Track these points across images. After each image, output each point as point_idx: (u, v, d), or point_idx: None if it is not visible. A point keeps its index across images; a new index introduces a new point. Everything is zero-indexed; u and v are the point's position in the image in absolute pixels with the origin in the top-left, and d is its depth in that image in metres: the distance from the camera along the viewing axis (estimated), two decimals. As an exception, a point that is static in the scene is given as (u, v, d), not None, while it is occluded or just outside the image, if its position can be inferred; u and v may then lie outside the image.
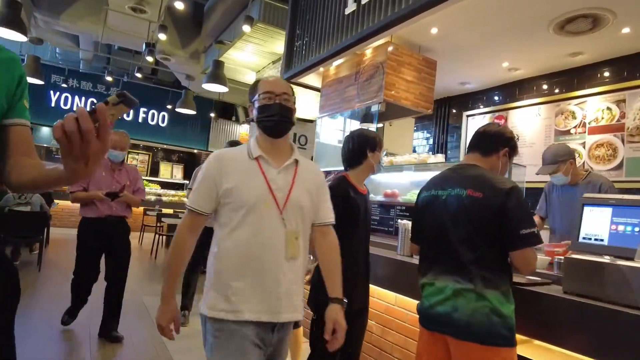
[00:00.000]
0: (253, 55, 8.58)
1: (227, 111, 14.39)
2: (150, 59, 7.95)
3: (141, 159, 14.40)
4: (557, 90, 4.54)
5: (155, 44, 8.45)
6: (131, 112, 12.47)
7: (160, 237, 8.31)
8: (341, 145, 2.89)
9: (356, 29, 3.72)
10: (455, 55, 4.28)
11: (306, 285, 2.42)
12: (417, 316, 1.89)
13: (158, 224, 8.86)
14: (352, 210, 2.28)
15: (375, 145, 2.39)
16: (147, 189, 12.56)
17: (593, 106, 4.28)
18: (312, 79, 5.15)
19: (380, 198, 3.63)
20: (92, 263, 3.46)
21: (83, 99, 12.00)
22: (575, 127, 4.38)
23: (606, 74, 4.22)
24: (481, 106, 5.38)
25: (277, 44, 7.85)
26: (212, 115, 12.33)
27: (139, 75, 9.61)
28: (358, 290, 2.31)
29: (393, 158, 3.52)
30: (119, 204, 3.39)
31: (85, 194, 3.24)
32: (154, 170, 14.41)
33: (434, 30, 3.70)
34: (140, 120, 12.60)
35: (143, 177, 13.66)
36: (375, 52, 3.97)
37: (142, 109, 12.58)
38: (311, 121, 8.56)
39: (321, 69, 4.79)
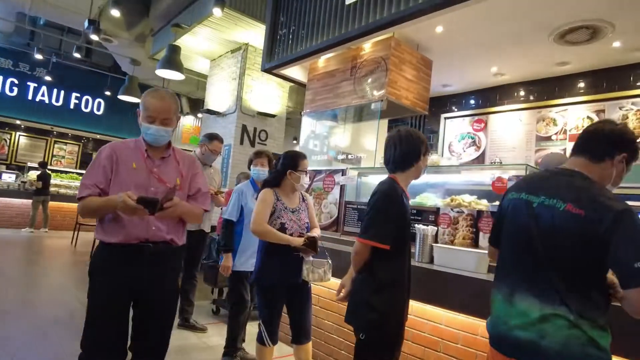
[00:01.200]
0: (209, 42, 7.96)
1: (170, 101, 13.36)
2: (95, 37, 7.05)
3: (69, 150, 12.97)
4: (538, 98, 4.67)
5: (99, 22, 7.53)
6: (61, 96, 11.13)
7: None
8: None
9: (359, 22, 3.47)
10: (449, 57, 4.20)
11: (342, 301, 2.16)
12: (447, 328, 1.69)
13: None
14: (405, 219, 2.05)
15: (427, 148, 2.17)
16: (77, 183, 11.32)
17: (574, 114, 4.44)
18: (294, 71, 4.81)
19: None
20: (115, 326, 1.94)
21: (0, 78, 10.44)
22: (556, 133, 4.53)
23: (585, 84, 4.40)
24: (460, 109, 5.40)
25: (239, 32, 7.35)
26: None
27: (77, 55, 8.52)
28: (405, 311, 2.09)
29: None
30: (163, 220, 1.95)
31: (103, 199, 1.84)
32: (86, 163, 13.03)
33: (439, 29, 3.57)
34: (71, 106, 11.26)
35: (72, 170, 12.30)
36: (375, 46, 3.75)
37: (74, 94, 11.26)
38: (273, 116, 8.17)
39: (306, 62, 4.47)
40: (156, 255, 1.94)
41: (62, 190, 10.88)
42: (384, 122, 6.06)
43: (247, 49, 7.80)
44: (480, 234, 2.87)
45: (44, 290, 4.82)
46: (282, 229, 2.56)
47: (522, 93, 4.85)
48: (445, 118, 5.40)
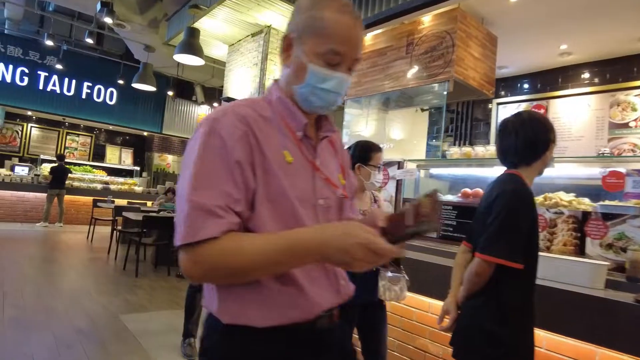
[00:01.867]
0: (228, 25, 7.46)
1: (184, 90, 12.96)
2: (108, 20, 6.58)
3: (82, 141, 12.61)
4: (612, 79, 4.12)
5: (112, 3, 7.05)
6: (72, 86, 10.73)
7: (117, 233, 7.04)
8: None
9: (419, -11, 2.97)
10: (513, 33, 3.68)
11: (447, 332, 1.72)
12: None
13: (114, 219, 7.57)
14: (536, 228, 1.60)
15: (555, 135, 1.70)
16: (91, 176, 11.00)
17: (658, 97, 3.91)
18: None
19: (454, 198, 2.94)
20: None
21: (10, 67, 10.05)
22: (635, 120, 4.00)
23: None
24: (514, 94, 4.86)
25: (261, 13, 6.84)
26: (170, 93, 10.93)
27: (89, 40, 8.07)
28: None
29: (471, 150, 2.86)
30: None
31: (285, 241, 0.82)
32: (98, 155, 12.68)
33: (513, -1, 3.06)
34: (83, 96, 10.85)
35: (85, 162, 11.96)
36: (438, 19, 3.24)
37: (86, 83, 10.84)
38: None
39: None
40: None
41: (76, 184, 10.54)
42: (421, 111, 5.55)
43: (269, 32, 7.29)
44: (588, 240, 2.38)
45: (62, 295, 4.44)
46: None
47: (589, 75, 4.31)
48: (498, 104, 4.87)
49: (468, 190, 2.92)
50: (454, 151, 2.98)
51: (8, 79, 9.95)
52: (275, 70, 7.46)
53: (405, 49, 3.43)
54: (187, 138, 13.17)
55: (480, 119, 5.26)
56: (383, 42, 3.69)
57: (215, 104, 12.42)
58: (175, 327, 3.71)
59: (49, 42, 8.18)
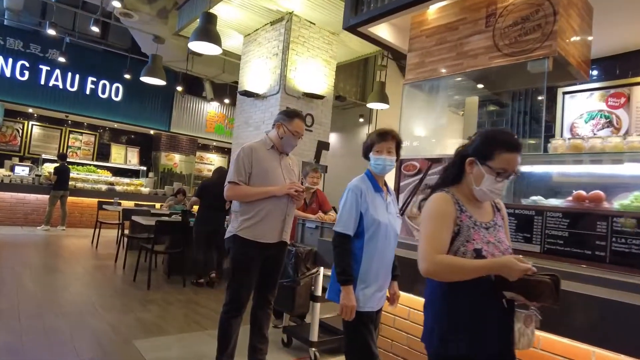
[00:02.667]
0: (245, 12, 6.85)
1: (193, 86, 12.36)
2: (117, 3, 5.97)
3: (85, 140, 12.02)
4: None
5: (120, -11, 6.46)
6: (75, 81, 10.12)
7: (124, 238, 6.43)
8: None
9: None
10: (604, 4, 3.05)
11: None
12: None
13: (121, 222, 6.97)
14: None
15: None
16: (96, 176, 10.41)
17: None
18: (383, 31, 3.64)
19: (561, 203, 2.32)
20: None
21: (10, 60, 9.46)
22: None
23: None
24: (584, 81, 4.22)
25: (282, -5, 6.24)
26: (180, 89, 10.33)
27: (95, 29, 7.48)
28: None
29: (581, 142, 2.24)
30: None
31: None
32: (103, 154, 12.09)
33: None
34: (87, 91, 10.25)
35: (89, 162, 11.36)
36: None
37: (90, 78, 10.24)
38: (321, 97, 7.05)
39: (395, 20, 3.34)
40: None
41: (79, 184, 9.94)
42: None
43: (291, 19, 6.68)
44: None
45: (65, 313, 3.84)
46: (478, 258, 1.49)
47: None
48: (564, 93, 4.24)
49: (583, 193, 2.29)
50: (558, 144, 2.35)
51: (7, 73, 9.37)
52: (298, 60, 6.86)
53: (485, 22, 2.81)
54: (196, 137, 12.56)
55: (538, 111, 4.61)
56: (454, 15, 3.07)
57: (227, 100, 11.81)
58: (201, 356, 3.10)
59: (51, 32, 7.57)
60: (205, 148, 14.27)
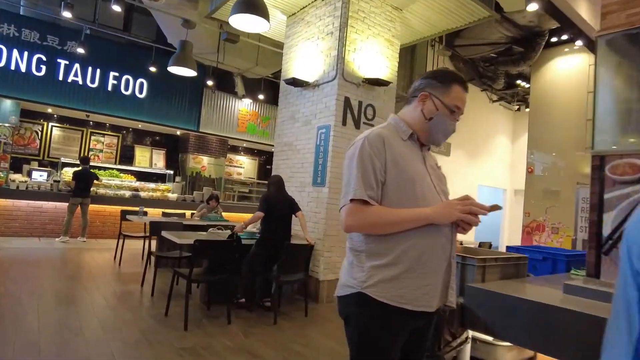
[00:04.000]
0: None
1: (223, 81, 11.34)
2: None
3: (108, 142, 11.12)
4: None
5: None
6: (96, 76, 9.18)
7: (151, 257, 5.34)
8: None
9: None
10: None
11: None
12: None
13: (148, 236, 5.91)
14: None
15: None
16: (119, 182, 9.45)
17: None
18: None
19: None
20: None
21: (25, 54, 8.57)
22: None
23: None
24: None
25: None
26: (210, 83, 9.28)
27: (117, 8, 6.44)
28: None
29: None
30: None
31: None
32: (126, 157, 11.16)
33: None
34: (109, 87, 9.29)
35: (111, 166, 10.44)
36: None
37: (112, 73, 9.29)
38: (385, 83, 5.84)
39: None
40: None
41: (101, 190, 8.99)
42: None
43: (349, -10, 5.50)
44: None
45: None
46: None
47: None
48: None
49: None
50: None
51: (23, 68, 8.49)
52: (357, 39, 5.66)
53: None
54: (226, 137, 11.51)
55: None
56: None
57: (261, 96, 10.71)
58: None
59: (67, 14, 6.59)
60: (234, 150, 13.23)
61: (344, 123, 5.48)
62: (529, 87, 11.16)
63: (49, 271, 5.62)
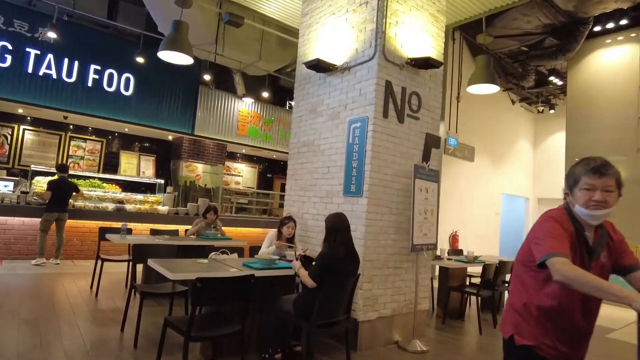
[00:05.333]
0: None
1: (221, 79, 10.12)
2: None
3: (90, 148, 9.81)
4: None
5: None
6: (74, 69, 7.90)
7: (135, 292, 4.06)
8: None
9: None
10: None
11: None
12: None
13: (132, 262, 4.60)
14: None
15: None
16: (101, 192, 8.16)
17: None
18: None
19: None
20: None
21: (-9, 45, 7.27)
22: None
23: None
24: None
25: None
26: (208, 78, 8.07)
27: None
28: None
29: None
30: None
31: None
32: (111, 165, 9.84)
33: None
34: (89, 83, 7.99)
35: (93, 175, 9.13)
36: None
37: (92, 66, 8.00)
38: (435, 64, 4.67)
39: None
40: None
41: (79, 203, 7.67)
42: None
43: (390, -54, 4.33)
44: None
45: None
46: None
47: None
48: None
49: None
50: None
51: (-17, 58, 7.20)
52: (399, 10, 4.50)
53: None
54: (225, 141, 10.23)
55: None
56: None
57: (265, 94, 9.48)
58: None
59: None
60: (232, 157, 11.97)
61: (386, 115, 4.27)
62: (561, 85, 10.12)
63: (6, 309, 4.28)
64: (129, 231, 5.68)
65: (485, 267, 5.38)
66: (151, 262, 3.45)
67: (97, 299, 5.02)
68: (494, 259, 6.32)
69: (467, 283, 6.06)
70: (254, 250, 4.66)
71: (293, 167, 5.28)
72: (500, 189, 11.37)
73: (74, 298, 4.98)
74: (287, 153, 11.24)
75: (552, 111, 12.03)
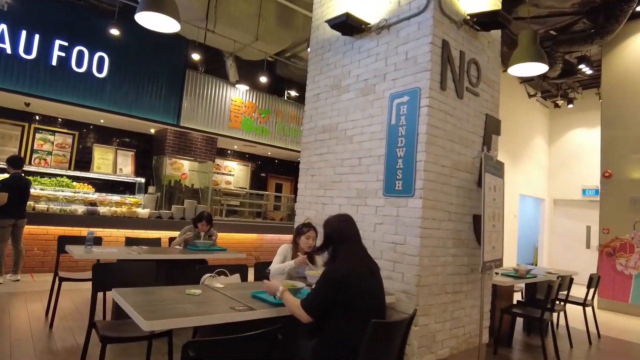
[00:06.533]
0: None
1: (212, 63, 8.92)
2: None
3: (59, 142, 8.51)
4: None
5: None
6: (34, 44, 6.61)
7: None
8: None
9: None
10: None
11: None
12: None
13: (97, 284, 3.37)
14: None
15: None
16: (70, 193, 6.94)
17: None
18: None
19: None
20: None
21: None
22: None
23: None
24: None
25: None
26: (197, 57, 6.91)
27: None
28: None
29: None
30: None
31: None
32: (84, 162, 8.55)
33: None
34: (53, 62, 6.68)
35: (61, 172, 7.86)
36: None
37: (58, 42, 6.71)
38: (502, 24, 3.57)
39: None
40: None
41: (41, 206, 6.40)
42: None
43: None
44: None
45: None
46: None
47: None
48: None
49: None
50: None
51: None
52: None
53: None
54: (216, 135, 9.02)
55: None
56: None
57: (263, 79, 8.31)
58: None
59: None
60: (222, 153, 10.76)
61: (443, 86, 3.17)
62: (591, 74, 9.18)
63: None
64: (97, 241, 4.47)
65: (537, 284, 4.44)
66: (117, 295, 2.27)
67: (52, 332, 3.81)
68: (542, 271, 5.30)
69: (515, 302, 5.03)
70: (262, 267, 3.51)
71: (308, 160, 4.13)
72: (518, 189, 10.40)
73: (21, 329, 3.74)
74: (286, 149, 10.30)
75: (570, 105, 11.12)
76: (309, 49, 4.39)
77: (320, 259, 3.33)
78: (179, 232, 5.08)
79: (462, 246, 3.34)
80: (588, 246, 10.85)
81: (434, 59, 3.10)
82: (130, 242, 4.81)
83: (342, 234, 2.27)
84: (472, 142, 3.49)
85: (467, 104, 3.44)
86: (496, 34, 3.89)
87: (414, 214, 3.00)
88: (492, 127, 3.71)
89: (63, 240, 4.33)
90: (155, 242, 5.08)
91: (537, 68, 4.64)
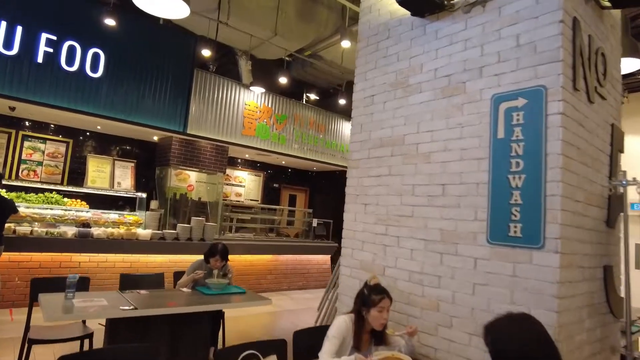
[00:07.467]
0: None
1: (222, 63, 7.95)
2: None
3: (51, 151, 7.57)
4: None
5: None
6: (15, 37, 5.64)
7: None
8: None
9: None
10: None
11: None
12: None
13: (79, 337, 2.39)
14: None
15: None
16: (60, 211, 5.99)
17: None
18: None
19: None
20: None
21: None
22: None
23: None
24: None
25: None
26: (208, 54, 5.98)
27: None
28: None
29: None
30: None
31: None
32: (78, 173, 7.58)
33: None
34: (40, 59, 5.70)
35: (52, 187, 6.89)
36: None
37: (45, 36, 5.73)
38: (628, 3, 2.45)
39: None
40: None
41: (23, 229, 5.44)
42: None
43: None
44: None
45: None
46: None
47: None
48: None
49: None
50: None
51: None
52: None
53: None
54: (227, 143, 8.01)
55: None
56: None
57: (283, 79, 7.33)
58: None
59: None
60: (231, 162, 9.77)
61: (576, 85, 2.17)
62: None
63: None
64: (83, 284, 3.50)
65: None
66: None
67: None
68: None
69: None
70: (307, 337, 2.48)
71: (359, 183, 3.13)
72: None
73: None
74: (306, 159, 9.25)
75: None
76: (357, 39, 3.41)
77: (394, 332, 2.33)
78: (185, 264, 4.10)
79: (595, 314, 2.33)
80: None
81: (565, 45, 2.10)
82: (125, 282, 3.82)
83: (533, 350, 1.28)
84: (602, 164, 2.49)
85: (597, 111, 2.44)
86: (617, 15, 2.89)
87: (545, 275, 1.99)
88: (617, 143, 2.70)
89: (36, 287, 3.35)
90: (158, 279, 4.10)
91: (630, 64, 3.69)
